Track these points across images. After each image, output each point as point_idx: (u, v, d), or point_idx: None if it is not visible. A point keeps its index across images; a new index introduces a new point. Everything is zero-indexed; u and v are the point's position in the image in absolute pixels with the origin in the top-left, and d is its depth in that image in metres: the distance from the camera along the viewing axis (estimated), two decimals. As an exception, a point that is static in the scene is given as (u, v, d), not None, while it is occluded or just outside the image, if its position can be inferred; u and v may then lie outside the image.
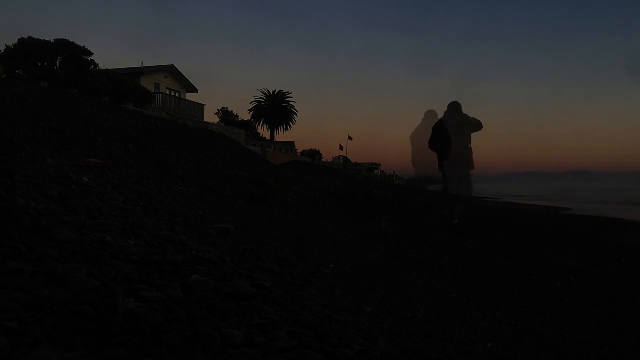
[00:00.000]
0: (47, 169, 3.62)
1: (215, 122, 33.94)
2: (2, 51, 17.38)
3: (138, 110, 15.95)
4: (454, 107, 6.32)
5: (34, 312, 1.32)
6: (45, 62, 17.59)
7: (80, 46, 17.97)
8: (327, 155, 55.77)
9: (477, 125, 6.28)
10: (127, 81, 20.41)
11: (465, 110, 6.44)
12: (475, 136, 6.33)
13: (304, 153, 48.82)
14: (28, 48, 17.11)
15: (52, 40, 17.73)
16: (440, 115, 6.47)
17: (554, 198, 33.53)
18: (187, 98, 30.97)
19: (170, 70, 30.58)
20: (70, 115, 7.22)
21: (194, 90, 32.81)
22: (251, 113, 49.57)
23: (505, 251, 4.99)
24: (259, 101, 49.98)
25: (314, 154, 50.55)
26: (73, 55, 17.70)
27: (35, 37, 17.67)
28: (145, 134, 8.54)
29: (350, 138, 51.29)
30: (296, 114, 51.08)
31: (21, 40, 17.36)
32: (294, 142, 47.88)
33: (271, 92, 50.27)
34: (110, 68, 21.54)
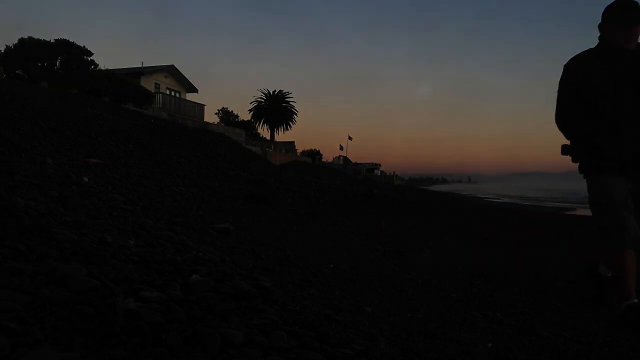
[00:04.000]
0: (47, 169, 3.62)
1: (215, 122, 33.93)
2: (2, 51, 17.40)
3: (138, 110, 15.96)
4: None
5: (34, 312, 1.32)
6: (45, 62, 17.59)
7: (80, 46, 17.99)
8: (327, 155, 55.85)
9: None
10: (127, 81, 20.40)
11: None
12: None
13: (304, 153, 48.80)
14: (28, 48, 17.12)
15: (52, 40, 17.75)
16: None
17: (555, 198, 33.56)
18: (187, 98, 30.93)
19: (170, 70, 30.56)
20: (70, 115, 7.22)
21: (194, 90, 32.78)
22: (251, 113, 49.58)
23: (506, 251, 4.99)
24: (259, 101, 49.98)
25: (314, 154, 50.54)
26: (73, 55, 17.70)
27: (35, 37, 17.71)
28: (145, 134, 8.54)
29: (350, 138, 51.37)
30: (296, 114, 51.10)
31: (21, 40, 17.37)
32: (294, 142, 47.89)
33: (271, 92, 50.26)
34: (110, 68, 21.54)
